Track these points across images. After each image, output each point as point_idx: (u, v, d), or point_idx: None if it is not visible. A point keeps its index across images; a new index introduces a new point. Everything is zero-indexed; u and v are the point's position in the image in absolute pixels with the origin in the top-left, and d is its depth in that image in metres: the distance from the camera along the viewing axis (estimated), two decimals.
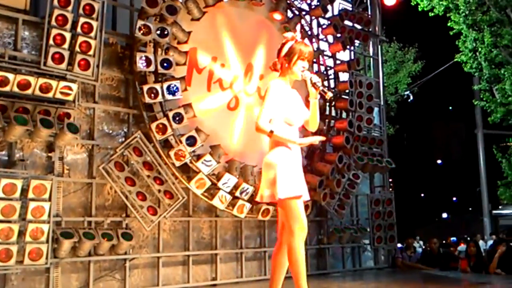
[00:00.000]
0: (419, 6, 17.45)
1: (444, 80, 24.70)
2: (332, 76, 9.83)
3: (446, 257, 11.14)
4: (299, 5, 9.46)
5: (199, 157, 7.27)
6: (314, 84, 4.30)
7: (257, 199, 4.42)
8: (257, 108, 8.58)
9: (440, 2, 16.97)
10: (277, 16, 9.02)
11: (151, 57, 6.98)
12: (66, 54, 6.16)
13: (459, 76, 20.14)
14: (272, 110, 4.24)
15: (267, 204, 7.84)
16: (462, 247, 15.00)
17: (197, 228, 7.72)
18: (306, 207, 4.39)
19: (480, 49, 17.07)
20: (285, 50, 4.39)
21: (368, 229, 9.94)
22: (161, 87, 6.94)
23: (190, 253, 7.46)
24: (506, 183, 17.49)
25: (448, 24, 17.53)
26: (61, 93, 6.09)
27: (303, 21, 9.48)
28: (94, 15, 6.45)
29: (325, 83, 9.52)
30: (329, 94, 4.34)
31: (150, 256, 7.10)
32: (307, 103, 4.44)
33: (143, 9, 7.03)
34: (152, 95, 6.92)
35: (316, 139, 4.42)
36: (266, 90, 4.32)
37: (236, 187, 7.59)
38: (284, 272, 4.37)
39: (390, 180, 12.82)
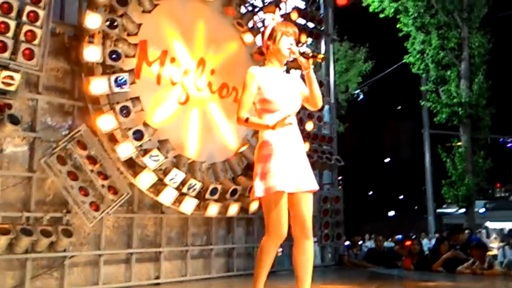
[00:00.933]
0: (370, 7, 17.69)
1: (393, 80, 25.06)
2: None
3: (390, 255, 11.30)
4: (252, 1, 9.38)
5: (146, 152, 7.09)
6: (302, 54, 4.01)
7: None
8: (212, 103, 8.51)
9: (391, 4, 17.29)
10: (230, 11, 8.89)
11: (99, 48, 6.77)
12: (10, 42, 5.93)
13: (408, 77, 20.46)
14: (250, 98, 4.00)
15: (214, 201, 7.77)
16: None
17: (142, 225, 7.54)
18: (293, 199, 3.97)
19: (427, 51, 17.51)
20: (268, 31, 4.19)
21: (316, 227, 9.94)
22: (109, 79, 6.73)
23: (134, 250, 7.27)
24: (450, 182, 17.84)
25: (398, 26, 17.86)
26: (3, 82, 5.86)
27: (256, 17, 9.40)
28: (41, 4, 6.22)
29: None
30: (320, 56, 4.08)
31: (91, 254, 6.89)
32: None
33: None
34: (99, 87, 6.72)
35: (285, 116, 3.82)
36: (244, 79, 4.07)
37: (183, 183, 7.45)
38: (306, 269, 4.11)
39: (340, 178, 12.87)
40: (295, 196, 3.95)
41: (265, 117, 4.01)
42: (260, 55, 4.15)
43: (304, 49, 4.07)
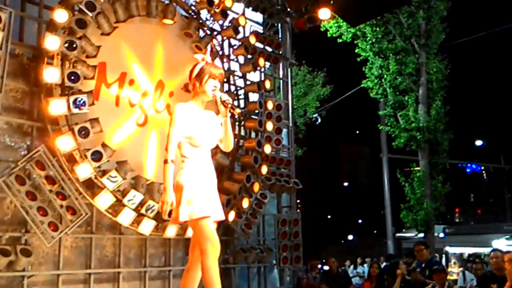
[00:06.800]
0: (328, 32, 17.98)
1: (351, 104, 25.44)
2: (242, 96, 9.94)
3: (344, 277, 11.39)
4: (211, 25, 9.52)
5: (104, 172, 7.15)
6: (223, 102, 4.44)
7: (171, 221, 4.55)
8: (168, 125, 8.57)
9: (348, 29, 17.56)
10: (189, 35, 9.04)
11: (58, 69, 6.85)
12: None
13: (366, 101, 20.78)
14: (178, 133, 4.35)
15: None
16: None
17: (100, 245, 7.54)
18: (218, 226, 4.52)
19: (385, 76, 17.78)
20: (196, 71, 4.54)
21: (275, 249, 10.02)
22: (67, 101, 6.80)
23: (92, 271, 7.27)
24: (409, 206, 17.96)
25: (356, 51, 18.14)
26: None
27: (214, 41, 9.54)
28: (1, 25, 6.25)
29: (235, 102, 9.63)
30: (237, 111, 4.53)
31: (49, 274, 6.87)
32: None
33: (52, 21, 6.90)
34: (58, 108, 6.78)
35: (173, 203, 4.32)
36: (171, 113, 4.47)
37: (142, 204, 7.51)
38: None
39: (298, 201, 13.00)
40: None
41: (187, 150, 4.44)
42: (186, 91, 4.67)
43: (225, 97, 4.52)
